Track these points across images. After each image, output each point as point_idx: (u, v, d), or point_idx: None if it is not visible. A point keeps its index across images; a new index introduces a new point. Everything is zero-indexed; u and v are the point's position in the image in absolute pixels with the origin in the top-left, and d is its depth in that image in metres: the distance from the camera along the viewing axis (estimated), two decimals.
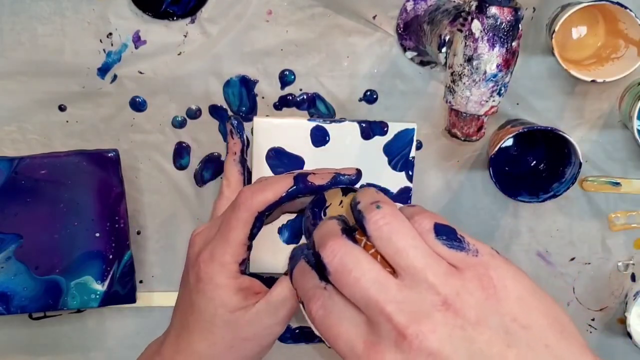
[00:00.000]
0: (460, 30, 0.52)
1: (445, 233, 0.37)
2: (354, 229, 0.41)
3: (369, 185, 0.64)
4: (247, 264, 0.52)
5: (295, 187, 0.51)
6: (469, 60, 0.52)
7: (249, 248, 0.51)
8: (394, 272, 0.37)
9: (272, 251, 0.63)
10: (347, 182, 0.52)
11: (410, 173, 0.65)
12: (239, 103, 0.68)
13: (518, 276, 0.36)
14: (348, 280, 0.36)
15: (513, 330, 0.35)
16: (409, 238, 0.37)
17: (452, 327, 0.34)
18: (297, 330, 0.73)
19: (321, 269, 0.38)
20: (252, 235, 0.51)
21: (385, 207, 0.38)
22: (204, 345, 0.51)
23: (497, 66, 0.51)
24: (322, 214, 0.51)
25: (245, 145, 0.59)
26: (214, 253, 0.50)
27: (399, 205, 0.41)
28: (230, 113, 0.68)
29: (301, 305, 0.41)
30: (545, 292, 0.37)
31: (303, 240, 0.56)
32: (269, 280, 0.71)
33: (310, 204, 0.51)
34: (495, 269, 0.36)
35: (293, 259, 0.42)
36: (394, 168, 0.64)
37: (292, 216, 0.62)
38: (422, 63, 0.68)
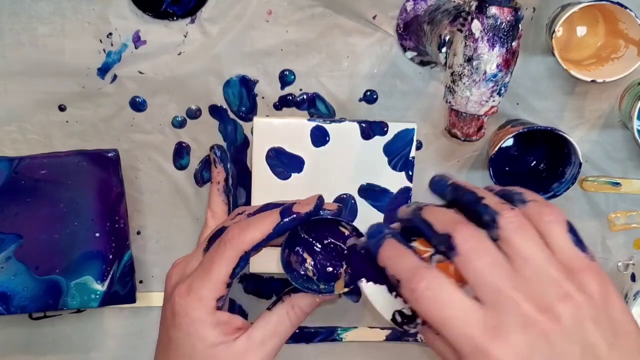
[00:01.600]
0: (460, 30, 0.52)
1: (574, 233, 0.40)
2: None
3: (369, 185, 0.64)
4: (225, 301, 0.50)
5: (282, 222, 0.50)
6: (469, 60, 0.52)
7: (229, 286, 0.50)
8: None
9: (273, 251, 0.63)
10: (319, 211, 0.51)
11: (410, 173, 0.65)
12: (239, 103, 0.68)
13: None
14: (476, 264, 0.38)
15: (619, 334, 0.38)
16: (536, 248, 0.39)
17: (574, 318, 0.37)
18: (297, 330, 0.73)
19: (446, 249, 0.40)
20: (233, 274, 0.50)
21: (516, 211, 0.41)
22: None
23: (497, 66, 0.51)
24: (298, 245, 0.51)
25: (229, 174, 0.57)
26: (191, 287, 0.49)
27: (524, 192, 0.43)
28: (233, 135, 0.68)
29: (385, 287, 0.42)
30: None
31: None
32: (268, 281, 0.71)
33: (285, 240, 0.50)
34: (603, 273, 0.40)
35: (374, 237, 0.43)
36: (394, 168, 0.64)
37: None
38: (422, 63, 0.68)
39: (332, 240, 0.51)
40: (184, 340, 0.49)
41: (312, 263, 0.52)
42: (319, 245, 0.52)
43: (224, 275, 0.49)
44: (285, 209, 0.51)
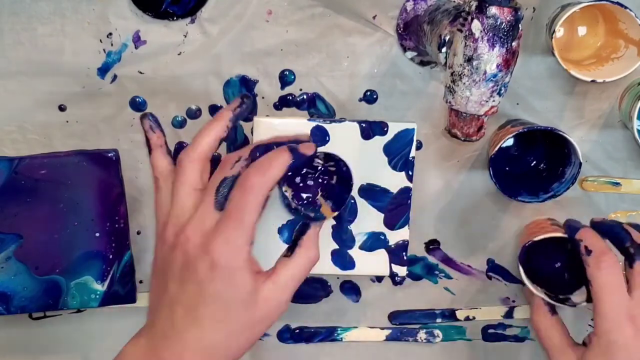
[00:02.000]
0: (460, 30, 0.52)
1: None
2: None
3: (369, 185, 0.64)
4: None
5: (295, 160, 0.54)
6: (469, 60, 0.52)
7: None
8: None
9: (272, 251, 0.63)
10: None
11: (410, 173, 0.65)
12: None
13: None
14: None
15: None
16: None
17: None
18: (297, 330, 0.73)
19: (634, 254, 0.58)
20: (259, 218, 0.53)
21: None
22: (220, 336, 0.52)
23: (497, 66, 0.51)
24: (296, 182, 0.58)
25: (165, 136, 0.59)
26: (229, 238, 0.51)
27: None
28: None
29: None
30: None
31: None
32: None
33: (285, 181, 0.56)
34: None
35: (574, 225, 0.61)
36: (394, 168, 0.64)
37: (292, 216, 0.62)
38: (422, 63, 0.68)
39: (320, 169, 0.59)
40: (226, 291, 0.51)
41: (316, 193, 0.59)
42: (310, 176, 0.59)
43: (256, 219, 0.52)
44: (293, 149, 0.54)
